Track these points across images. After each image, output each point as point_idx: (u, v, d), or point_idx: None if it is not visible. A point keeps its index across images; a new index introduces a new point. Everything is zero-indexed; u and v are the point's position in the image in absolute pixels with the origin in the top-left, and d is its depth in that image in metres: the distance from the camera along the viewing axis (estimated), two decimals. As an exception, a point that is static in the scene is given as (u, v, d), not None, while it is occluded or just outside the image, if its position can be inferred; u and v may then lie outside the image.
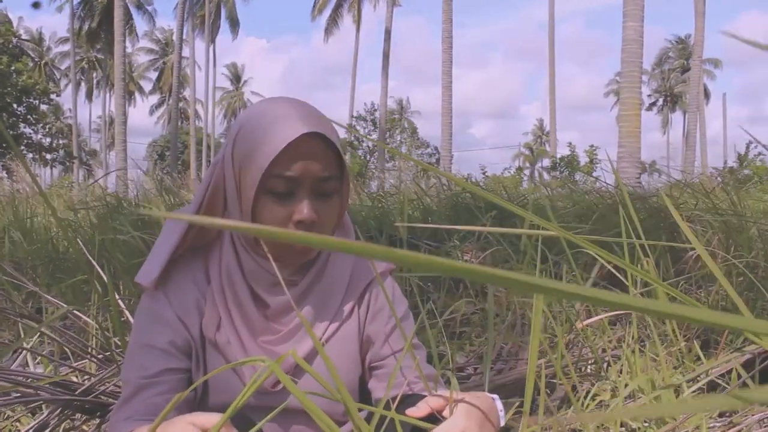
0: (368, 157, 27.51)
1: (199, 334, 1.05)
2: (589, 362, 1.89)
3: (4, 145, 23.38)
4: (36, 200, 3.96)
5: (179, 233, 1.05)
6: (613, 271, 1.76)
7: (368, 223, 3.49)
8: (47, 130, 36.51)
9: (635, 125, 9.58)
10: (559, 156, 19.62)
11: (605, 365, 1.85)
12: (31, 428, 1.49)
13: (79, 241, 2.30)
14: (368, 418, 1.00)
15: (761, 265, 2.34)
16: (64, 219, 3.17)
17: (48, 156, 33.98)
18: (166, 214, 0.31)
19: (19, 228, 3.65)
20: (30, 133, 30.05)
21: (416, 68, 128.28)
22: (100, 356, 1.75)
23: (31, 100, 28.15)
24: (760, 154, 15.79)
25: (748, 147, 18.10)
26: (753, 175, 12.90)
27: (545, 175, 21.38)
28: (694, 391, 1.53)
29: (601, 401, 1.60)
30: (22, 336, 1.99)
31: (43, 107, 31.60)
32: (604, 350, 1.90)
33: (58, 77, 50.86)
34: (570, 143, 19.12)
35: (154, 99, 55.12)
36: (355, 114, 32.89)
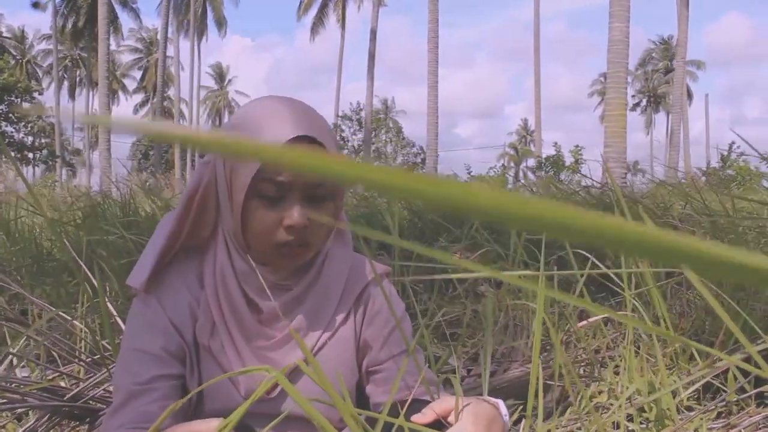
0: (354, 156, 27.52)
1: (193, 340, 1.02)
2: (582, 364, 1.89)
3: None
4: (19, 200, 3.89)
5: (165, 236, 1.02)
6: (607, 271, 1.76)
7: (358, 222, 3.48)
8: (29, 128, 36.12)
9: (621, 125, 9.65)
10: (544, 156, 19.66)
11: (599, 366, 1.84)
12: (17, 435, 1.45)
13: (66, 242, 2.26)
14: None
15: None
16: (54, 219, 3.12)
17: (30, 155, 33.61)
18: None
19: (2, 228, 3.59)
20: (11, 132, 29.73)
21: (402, 68, 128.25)
22: (88, 360, 1.71)
23: (12, 99, 27.81)
24: (742, 154, 15.94)
25: (730, 147, 18.27)
26: (737, 176, 13.03)
27: (530, 175, 21.48)
28: (690, 393, 1.52)
29: (597, 403, 1.59)
30: (8, 340, 1.95)
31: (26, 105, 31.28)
32: (597, 351, 1.89)
33: (41, 75, 50.34)
34: (555, 143, 19.16)
35: (138, 98, 54.78)
36: (340, 113, 32.93)
